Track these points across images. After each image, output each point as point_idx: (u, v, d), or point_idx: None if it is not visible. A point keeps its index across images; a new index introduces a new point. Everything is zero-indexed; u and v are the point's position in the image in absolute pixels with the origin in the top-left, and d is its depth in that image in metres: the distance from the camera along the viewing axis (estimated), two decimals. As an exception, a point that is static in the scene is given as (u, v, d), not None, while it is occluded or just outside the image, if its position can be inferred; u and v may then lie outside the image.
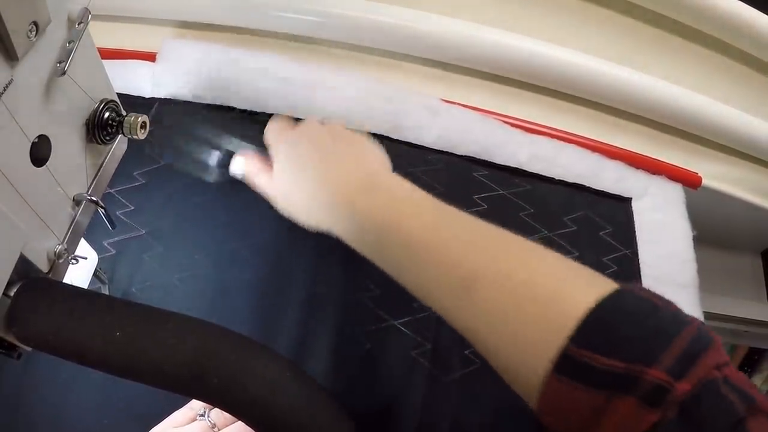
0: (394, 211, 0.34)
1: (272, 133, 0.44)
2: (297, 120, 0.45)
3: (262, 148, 0.46)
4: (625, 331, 0.23)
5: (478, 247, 0.30)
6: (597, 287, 0.25)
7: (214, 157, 0.50)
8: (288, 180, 0.40)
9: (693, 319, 0.24)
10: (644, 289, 0.25)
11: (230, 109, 0.54)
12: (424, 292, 0.32)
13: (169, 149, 0.51)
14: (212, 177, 0.50)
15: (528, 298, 0.26)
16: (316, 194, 0.38)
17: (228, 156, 0.48)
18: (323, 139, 0.40)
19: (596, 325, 0.23)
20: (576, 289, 0.26)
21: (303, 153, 0.40)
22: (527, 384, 0.25)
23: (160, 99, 0.53)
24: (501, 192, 0.56)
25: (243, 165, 0.45)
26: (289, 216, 0.41)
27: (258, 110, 0.57)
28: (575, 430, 0.23)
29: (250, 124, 0.50)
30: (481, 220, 0.33)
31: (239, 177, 0.46)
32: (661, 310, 0.24)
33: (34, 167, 0.27)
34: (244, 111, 0.53)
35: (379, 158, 0.40)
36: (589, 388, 0.22)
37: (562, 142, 0.60)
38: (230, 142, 0.49)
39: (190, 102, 0.52)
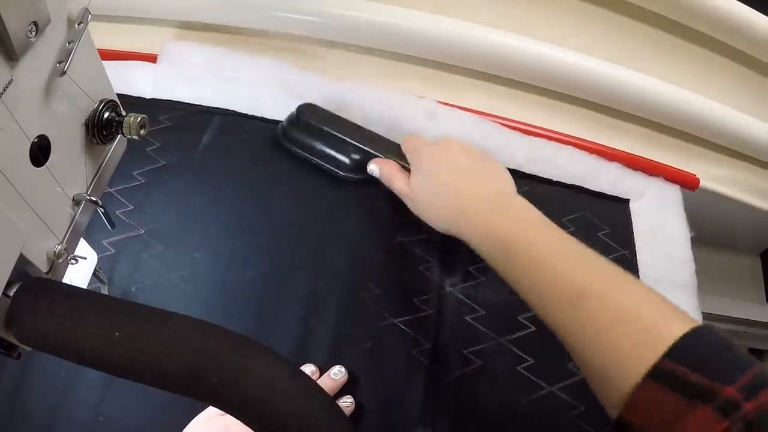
0: (521, 231, 0.39)
1: (412, 144, 0.50)
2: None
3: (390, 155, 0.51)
4: (710, 356, 0.29)
5: (591, 269, 0.36)
6: (686, 321, 0.31)
7: (348, 157, 0.54)
8: (426, 187, 0.46)
9: (756, 361, 0.29)
10: (718, 330, 0.31)
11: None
12: (538, 303, 0.37)
13: (305, 146, 0.54)
14: (345, 175, 0.54)
15: (630, 319, 0.32)
16: (450, 203, 0.44)
17: (363, 157, 0.53)
18: (460, 156, 0.46)
19: (687, 348, 0.30)
20: (670, 318, 0.32)
21: (442, 166, 0.46)
22: (617, 387, 0.31)
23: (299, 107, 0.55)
24: (500, 193, 0.56)
25: (381, 166, 0.50)
26: (419, 216, 0.46)
27: (258, 115, 0.57)
28: (655, 428, 0.29)
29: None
30: (587, 246, 0.38)
31: (376, 176, 0.51)
32: (735, 348, 0.30)
33: (34, 167, 0.27)
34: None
35: (507, 180, 0.45)
36: (677, 395, 0.28)
37: (560, 144, 0.60)
38: (366, 144, 0.53)
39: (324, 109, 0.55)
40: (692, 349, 0.30)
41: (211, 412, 0.40)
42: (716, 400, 0.27)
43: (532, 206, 0.42)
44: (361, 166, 0.53)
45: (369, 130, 0.55)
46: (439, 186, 0.45)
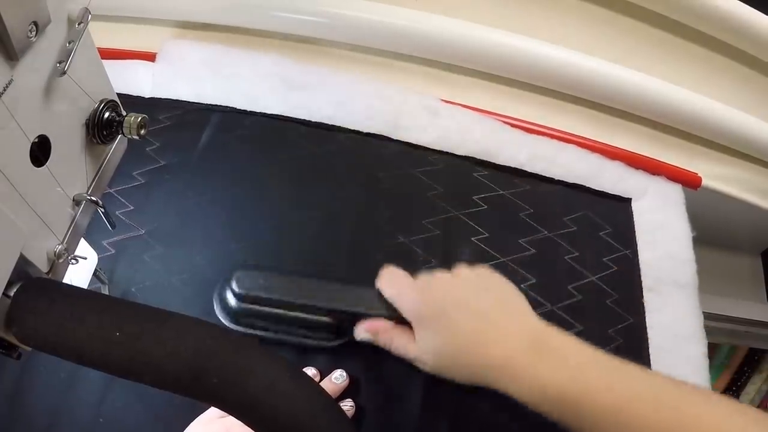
0: (573, 382, 0.35)
1: (395, 291, 0.42)
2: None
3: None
4: None
5: (664, 406, 0.33)
6: None
7: (324, 327, 0.44)
8: (441, 348, 0.39)
9: None
10: None
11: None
12: None
13: (262, 327, 0.44)
14: (329, 345, 0.45)
15: None
16: (475, 359, 0.38)
17: (343, 319, 0.44)
18: (468, 296, 0.40)
19: None
20: None
21: (452, 317, 0.39)
22: None
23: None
24: (501, 192, 0.56)
25: (373, 332, 0.42)
26: (438, 374, 0.40)
27: (257, 111, 0.57)
28: None
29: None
30: (648, 369, 0.35)
31: (366, 341, 0.43)
32: None
33: (34, 167, 0.27)
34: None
35: (526, 306, 0.40)
36: None
37: (562, 143, 0.60)
38: (344, 303, 0.43)
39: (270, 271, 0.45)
40: None
41: (212, 413, 0.40)
42: None
43: (568, 337, 0.38)
44: (341, 329, 0.44)
45: (331, 283, 0.44)
46: (455, 342, 0.38)
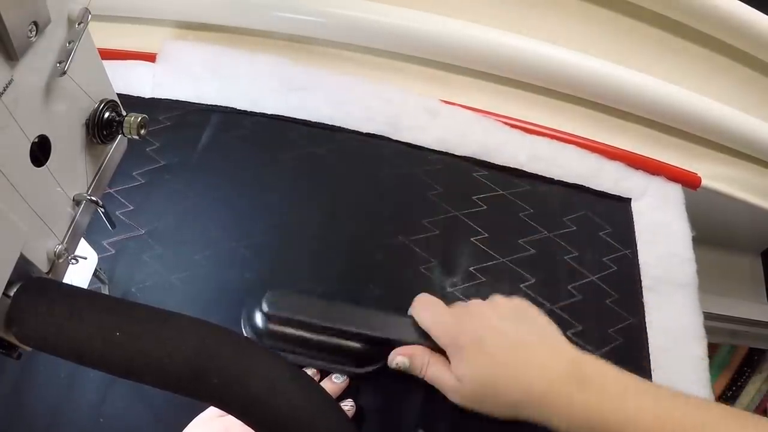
0: (616, 412, 0.34)
1: (430, 320, 0.41)
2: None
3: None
4: None
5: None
6: None
7: (355, 352, 0.43)
8: (480, 378, 0.38)
9: None
10: None
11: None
12: None
13: (290, 351, 0.43)
14: (359, 371, 0.44)
15: None
16: (510, 387, 0.37)
17: (372, 346, 0.43)
18: (506, 326, 0.39)
19: None
20: None
21: (490, 344, 0.38)
22: None
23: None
24: (501, 192, 0.56)
25: (411, 357, 0.41)
26: (471, 406, 0.39)
27: (257, 111, 0.57)
28: None
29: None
30: (688, 395, 0.35)
31: (403, 369, 0.42)
32: None
33: (34, 167, 0.27)
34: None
35: (562, 336, 0.40)
36: None
37: (561, 143, 0.60)
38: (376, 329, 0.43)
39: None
40: None
41: (212, 412, 0.40)
42: None
43: (606, 365, 0.37)
44: (370, 356, 0.43)
45: (363, 309, 0.44)
46: (494, 371, 0.37)
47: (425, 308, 0.42)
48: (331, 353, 0.43)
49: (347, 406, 0.42)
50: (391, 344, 0.42)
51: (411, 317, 0.43)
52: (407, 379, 0.43)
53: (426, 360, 0.41)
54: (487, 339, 0.38)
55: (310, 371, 0.44)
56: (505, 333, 0.39)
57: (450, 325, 0.40)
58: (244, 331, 0.44)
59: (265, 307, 0.42)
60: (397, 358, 0.41)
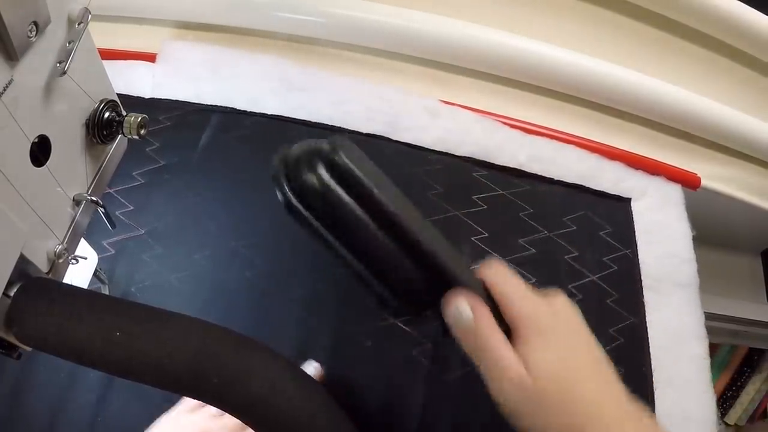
0: None
1: (512, 287, 0.31)
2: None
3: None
4: None
5: None
6: None
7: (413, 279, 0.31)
8: (552, 361, 0.29)
9: None
10: None
11: None
12: None
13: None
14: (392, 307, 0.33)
15: None
16: (578, 401, 0.29)
17: (426, 277, 0.31)
18: (588, 331, 0.32)
19: None
20: None
21: (574, 339, 0.31)
22: None
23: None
24: (500, 192, 0.56)
25: (471, 305, 0.31)
26: (514, 413, 0.30)
27: (257, 111, 0.57)
28: None
29: None
30: None
31: (461, 325, 0.31)
32: None
33: (34, 167, 0.27)
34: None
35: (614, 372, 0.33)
36: None
37: (561, 143, 0.60)
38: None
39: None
40: None
41: (181, 407, 0.39)
42: None
43: (653, 419, 0.31)
44: (417, 292, 0.32)
45: (434, 228, 0.31)
46: (573, 366, 0.30)
47: (499, 275, 0.32)
48: (379, 262, 0.31)
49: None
50: (446, 284, 0.31)
51: (474, 272, 0.32)
52: (407, 380, 0.43)
53: (491, 321, 0.31)
54: (573, 332, 0.31)
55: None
56: (588, 338, 0.32)
57: (534, 301, 0.31)
58: (280, 182, 0.30)
59: (339, 154, 0.28)
60: (461, 303, 0.31)
